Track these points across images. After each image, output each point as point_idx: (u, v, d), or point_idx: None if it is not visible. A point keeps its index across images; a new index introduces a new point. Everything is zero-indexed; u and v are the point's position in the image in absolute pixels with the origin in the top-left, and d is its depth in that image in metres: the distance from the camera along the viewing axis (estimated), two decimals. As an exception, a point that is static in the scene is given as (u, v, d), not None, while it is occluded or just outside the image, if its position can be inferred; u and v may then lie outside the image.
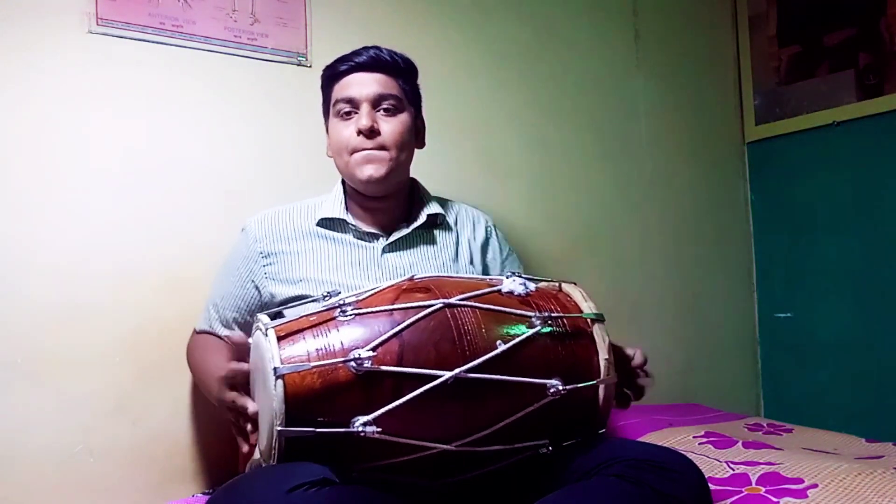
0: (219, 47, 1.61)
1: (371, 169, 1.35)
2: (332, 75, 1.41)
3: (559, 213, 2.11)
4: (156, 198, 1.53)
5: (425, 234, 1.46)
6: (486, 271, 1.52)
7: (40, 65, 1.43)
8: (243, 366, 1.09)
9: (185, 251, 1.55)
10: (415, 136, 1.44)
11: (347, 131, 1.37)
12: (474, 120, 1.97)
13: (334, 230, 1.41)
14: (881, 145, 2.17)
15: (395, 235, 1.42)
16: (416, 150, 1.47)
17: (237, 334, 1.13)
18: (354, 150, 1.36)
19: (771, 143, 2.44)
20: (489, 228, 1.57)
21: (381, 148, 1.36)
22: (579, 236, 2.15)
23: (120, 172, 1.50)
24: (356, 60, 1.38)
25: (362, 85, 1.37)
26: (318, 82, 1.45)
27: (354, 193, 1.44)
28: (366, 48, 1.39)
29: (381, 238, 1.41)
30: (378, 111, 1.37)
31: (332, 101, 1.40)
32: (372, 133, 1.35)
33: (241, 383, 1.10)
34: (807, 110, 2.33)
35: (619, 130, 2.24)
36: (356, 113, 1.36)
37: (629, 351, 1.26)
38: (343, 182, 1.48)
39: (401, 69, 1.41)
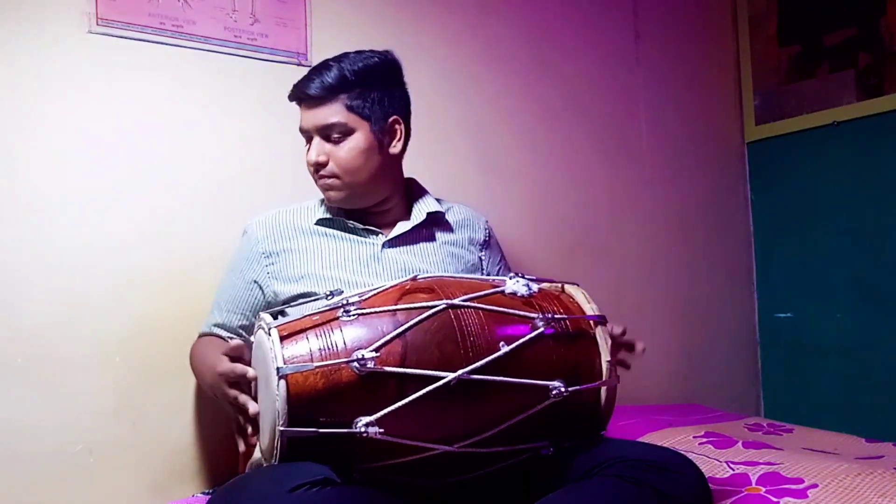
0: (219, 47, 1.61)
1: (331, 193, 1.40)
2: (294, 100, 1.42)
3: (559, 213, 2.11)
4: (155, 197, 1.53)
5: (425, 231, 1.46)
6: (484, 272, 1.52)
7: (40, 65, 1.43)
8: (248, 371, 1.09)
9: (186, 251, 1.55)
10: (378, 147, 1.39)
11: (306, 158, 1.40)
12: (473, 120, 1.97)
13: (334, 228, 1.43)
14: (881, 145, 2.17)
15: (396, 231, 1.43)
16: (409, 152, 1.46)
17: (236, 342, 1.14)
18: (314, 178, 1.41)
19: (771, 143, 2.44)
20: (488, 230, 1.59)
21: (334, 175, 1.38)
22: (579, 237, 2.15)
23: (120, 172, 1.50)
24: (297, 94, 1.39)
25: (306, 119, 1.39)
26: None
27: None
28: (317, 72, 1.37)
29: (380, 234, 1.42)
30: (329, 141, 1.38)
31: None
32: (318, 166, 1.38)
33: (243, 384, 1.10)
34: (807, 110, 2.33)
35: (619, 130, 2.24)
36: (309, 143, 1.39)
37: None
38: None
39: (349, 84, 1.36)
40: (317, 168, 1.38)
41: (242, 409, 1.08)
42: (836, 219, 2.28)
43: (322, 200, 1.46)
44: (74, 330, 1.44)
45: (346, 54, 1.38)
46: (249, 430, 1.09)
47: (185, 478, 1.54)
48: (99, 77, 1.49)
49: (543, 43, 2.10)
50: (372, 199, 1.43)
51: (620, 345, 1.25)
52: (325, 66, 1.37)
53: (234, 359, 1.12)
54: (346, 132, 1.37)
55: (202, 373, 1.35)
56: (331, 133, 1.36)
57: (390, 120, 1.41)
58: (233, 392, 1.09)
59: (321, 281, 1.35)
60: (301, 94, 1.38)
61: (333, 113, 1.36)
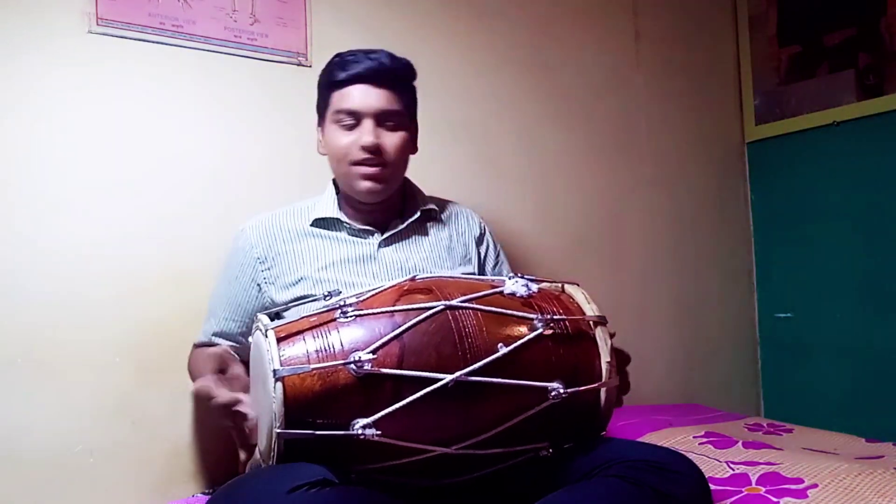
0: (219, 47, 1.61)
1: (371, 183, 1.37)
2: (332, 82, 1.37)
3: (559, 213, 2.11)
4: (155, 197, 1.53)
5: (420, 228, 1.47)
6: (482, 267, 1.53)
7: (40, 64, 1.43)
8: (238, 396, 1.10)
9: (185, 251, 1.55)
10: (411, 143, 1.44)
11: (347, 140, 1.36)
12: (474, 120, 1.96)
13: (329, 229, 1.42)
14: (881, 145, 2.17)
15: (391, 230, 1.43)
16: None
17: (216, 350, 1.15)
18: (355, 163, 1.36)
19: (771, 143, 2.44)
20: (483, 225, 1.59)
21: (383, 164, 1.36)
22: (579, 236, 2.14)
23: (119, 172, 1.50)
24: (358, 71, 1.34)
25: (365, 98, 1.35)
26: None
27: (348, 195, 1.44)
28: (367, 55, 1.36)
29: (375, 234, 1.42)
30: (380, 126, 1.36)
31: (332, 109, 1.37)
32: (375, 150, 1.35)
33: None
34: (807, 110, 2.33)
35: (619, 130, 2.24)
36: (357, 126, 1.35)
37: None
38: (335, 182, 1.48)
39: (400, 77, 1.38)
40: (372, 151, 1.34)
41: (241, 418, 1.09)
42: (835, 219, 2.28)
43: (316, 203, 1.45)
44: (74, 330, 1.44)
45: (383, 50, 1.39)
46: (248, 433, 1.10)
47: (185, 478, 1.54)
48: (99, 77, 1.49)
49: (543, 43, 2.10)
50: (388, 193, 1.42)
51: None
52: (375, 53, 1.37)
53: (223, 371, 1.13)
54: (400, 123, 1.38)
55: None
56: (386, 120, 1.36)
57: (415, 120, 1.46)
58: (228, 421, 1.11)
59: (318, 283, 1.35)
60: (361, 71, 1.34)
61: (397, 101, 1.37)
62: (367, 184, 1.37)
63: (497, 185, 1.99)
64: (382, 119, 1.36)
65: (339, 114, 1.36)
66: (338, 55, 1.39)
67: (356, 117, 1.35)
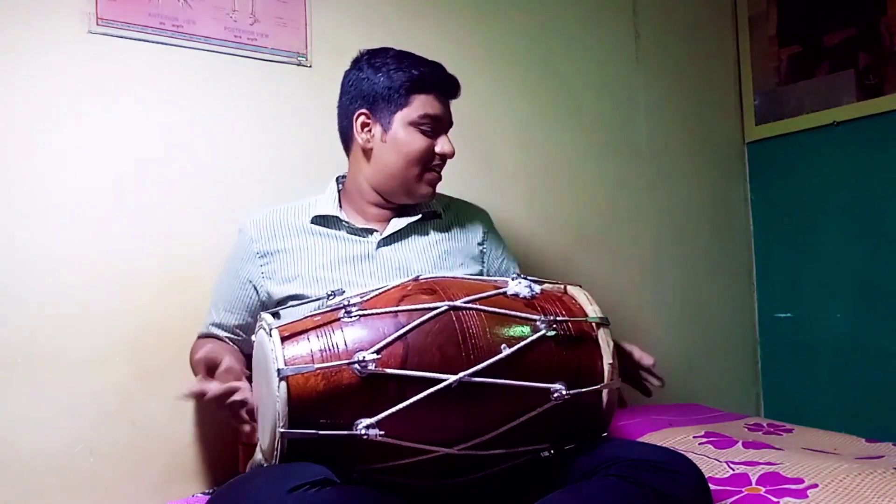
0: (219, 47, 1.61)
1: (432, 188, 1.43)
2: (418, 83, 1.38)
3: (559, 214, 2.11)
4: (156, 198, 1.53)
5: (420, 227, 1.46)
6: (486, 265, 1.53)
7: (40, 65, 1.43)
8: (233, 385, 1.10)
9: (186, 251, 1.55)
10: None
11: (426, 145, 1.39)
12: (474, 120, 1.96)
13: (328, 227, 1.42)
14: (881, 145, 2.18)
15: (390, 229, 1.42)
16: None
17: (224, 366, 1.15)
18: (428, 169, 1.41)
19: (771, 143, 2.45)
20: (487, 223, 1.59)
21: (440, 171, 1.43)
22: (579, 236, 2.15)
23: (120, 172, 1.50)
24: (446, 83, 1.41)
25: (445, 108, 1.42)
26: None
27: (357, 193, 1.45)
28: (436, 64, 1.41)
29: (375, 233, 1.42)
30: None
31: (416, 111, 1.38)
32: (449, 158, 1.42)
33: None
34: (807, 110, 2.34)
35: (619, 130, 2.24)
36: (434, 132, 1.40)
37: (633, 350, 1.27)
38: (337, 180, 1.49)
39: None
40: (447, 159, 1.42)
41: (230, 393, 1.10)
42: (836, 219, 2.29)
43: (317, 201, 1.45)
44: (74, 330, 1.44)
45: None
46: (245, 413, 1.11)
47: (185, 478, 1.54)
48: (99, 77, 1.49)
49: (543, 43, 2.10)
50: None
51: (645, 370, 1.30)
52: (439, 65, 1.42)
53: (212, 371, 1.14)
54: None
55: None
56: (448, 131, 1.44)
57: None
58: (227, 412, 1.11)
59: (315, 281, 1.35)
60: (447, 83, 1.41)
61: None
62: (430, 188, 1.43)
63: (496, 184, 1.99)
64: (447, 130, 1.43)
65: (425, 118, 1.38)
66: (393, 52, 1.41)
67: (437, 124, 1.40)
